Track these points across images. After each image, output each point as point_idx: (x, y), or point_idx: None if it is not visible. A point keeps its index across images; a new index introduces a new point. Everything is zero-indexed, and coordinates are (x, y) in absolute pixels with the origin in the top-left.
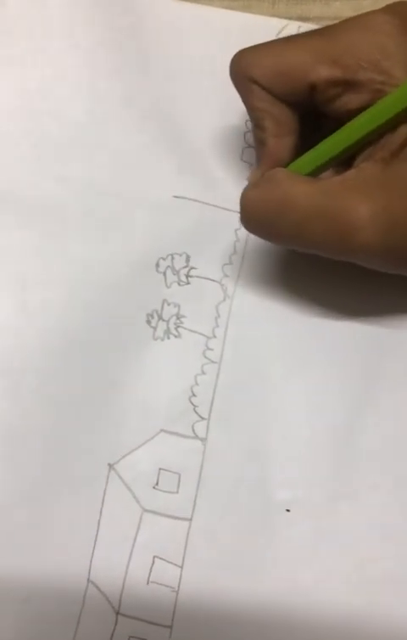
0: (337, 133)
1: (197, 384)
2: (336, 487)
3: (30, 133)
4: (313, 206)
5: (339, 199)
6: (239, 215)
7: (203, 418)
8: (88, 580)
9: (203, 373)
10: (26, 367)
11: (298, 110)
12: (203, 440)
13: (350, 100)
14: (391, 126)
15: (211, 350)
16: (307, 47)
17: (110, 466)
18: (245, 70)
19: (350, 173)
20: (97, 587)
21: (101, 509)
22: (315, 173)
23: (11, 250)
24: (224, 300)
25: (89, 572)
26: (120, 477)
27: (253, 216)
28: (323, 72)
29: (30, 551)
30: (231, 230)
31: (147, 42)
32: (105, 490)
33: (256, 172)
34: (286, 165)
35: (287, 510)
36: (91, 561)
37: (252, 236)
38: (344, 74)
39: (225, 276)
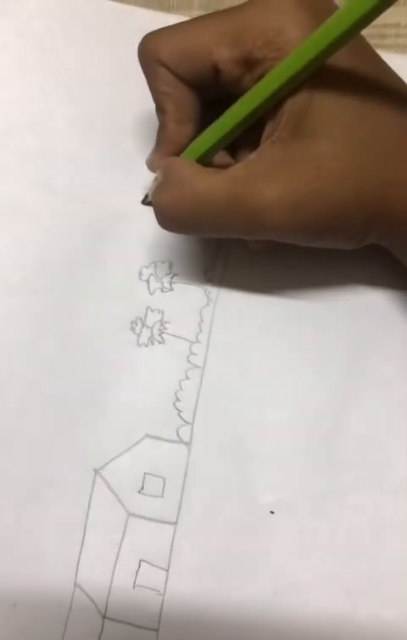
0: (225, 114)
1: (181, 389)
2: (320, 489)
3: (10, 143)
4: (224, 197)
5: (246, 185)
6: (156, 217)
7: (187, 423)
8: (75, 584)
9: (188, 377)
10: (12, 374)
11: (205, 96)
12: (188, 444)
13: (251, 80)
14: (278, 100)
15: (195, 354)
16: (211, 28)
17: (96, 471)
18: (152, 51)
19: (252, 157)
20: (83, 591)
21: (87, 514)
22: (207, 156)
23: None
24: (207, 304)
25: (76, 576)
26: (106, 482)
27: (170, 219)
28: (224, 52)
29: (16, 556)
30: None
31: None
32: (91, 495)
33: (154, 156)
34: (182, 151)
35: (272, 512)
36: (77, 565)
37: (235, 241)
38: (242, 53)
39: (208, 281)
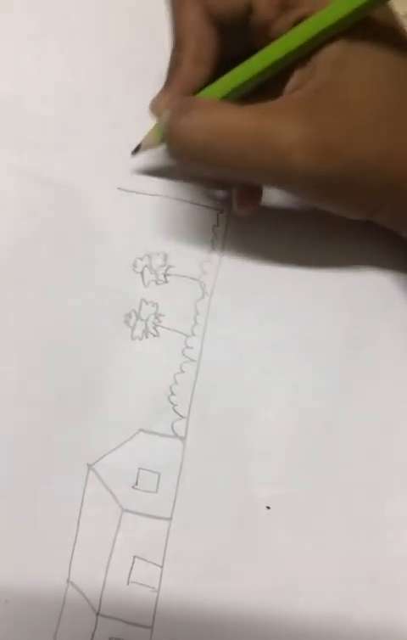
0: (252, 57)
1: (176, 382)
2: (316, 484)
3: (9, 134)
4: (250, 130)
5: (274, 122)
6: (167, 146)
7: (182, 417)
8: (68, 580)
9: (182, 371)
10: (4, 368)
11: (225, 44)
12: (183, 438)
13: (283, 25)
14: (311, 49)
15: (190, 348)
16: None
17: (89, 466)
18: None
19: (283, 98)
20: (76, 588)
21: (80, 509)
22: (229, 98)
23: None
24: (203, 297)
25: (69, 573)
26: (99, 477)
27: (185, 146)
28: None
29: (8, 552)
30: (208, 227)
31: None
32: (84, 490)
33: (162, 97)
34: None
35: (268, 507)
36: (70, 562)
37: (230, 232)
38: None
39: (204, 273)
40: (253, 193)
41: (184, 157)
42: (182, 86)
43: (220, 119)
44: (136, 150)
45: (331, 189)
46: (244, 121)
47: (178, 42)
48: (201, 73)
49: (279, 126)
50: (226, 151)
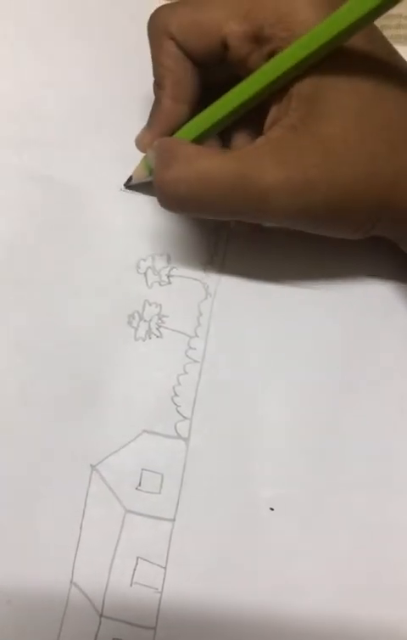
0: (226, 94)
1: (179, 383)
2: (320, 485)
3: (10, 133)
4: (231, 177)
5: (254, 166)
6: (156, 196)
7: (185, 418)
8: (71, 581)
9: (186, 372)
10: (8, 368)
11: (207, 78)
12: (186, 439)
13: (259, 59)
14: (282, 84)
15: (193, 349)
16: (222, 2)
17: (92, 467)
18: (161, 23)
19: (260, 140)
20: (80, 589)
21: (83, 510)
22: (204, 137)
23: None
24: (206, 298)
25: (72, 574)
26: (103, 478)
27: (172, 197)
28: (234, 26)
29: (12, 552)
30: (211, 228)
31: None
32: (87, 491)
33: (145, 134)
34: (173, 132)
35: (271, 509)
36: (73, 563)
37: (233, 234)
38: (252, 28)
39: (207, 274)
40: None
41: (171, 207)
42: (163, 124)
43: (201, 169)
44: (129, 182)
45: (318, 222)
46: (224, 169)
47: (158, 81)
48: (181, 111)
49: (258, 170)
50: (210, 198)
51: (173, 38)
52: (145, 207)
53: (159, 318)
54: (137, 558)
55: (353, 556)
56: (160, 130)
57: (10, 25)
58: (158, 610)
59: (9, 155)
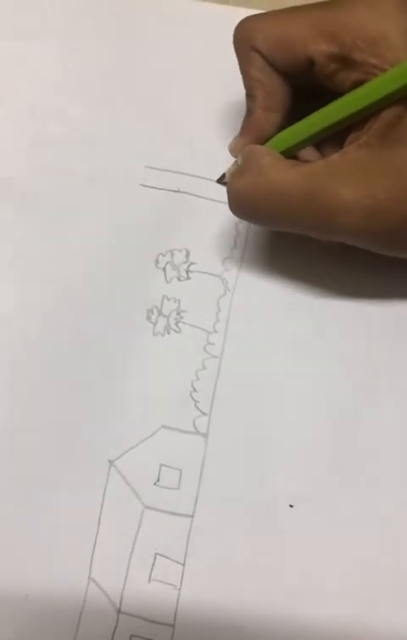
0: (317, 113)
1: (198, 379)
2: (339, 482)
3: (29, 129)
4: (299, 192)
5: (324, 183)
6: (227, 202)
7: (204, 414)
8: (89, 577)
9: (204, 367)
10: (28, 364)
11: (296, 85)
12: (205, 435)
13: (347, 78)
14: (373, 110)
15: (212, 344)
16: (309, 20)
17: (111, 462)
18: (247, 36)
19: (335, 157)
20: (98, 585)
21: (101, 506)
22: (292, 150)
23: (10, 245)
24: (225, 294)
25: (90, 570)
26: (121, 473)
27: (241, 205)
28: (322, 46)
29: (30, 548)
30: (231, 224)
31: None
32: (106, 486)
33: (237, 141)
34: (267, 140)
35: (291, 506)
36: (91, 559)
37: (252, 229)
38: (341, 50)
39: (226, 270)
40: None
41: (239, 214)
42: (254, 133)
43: (271, 181)
44: (222, 179)
45: (384, 243)
46: (294, 184)
47: (249, 93)
48: (272, 120)
49: (328, 189)
50: (277, 212)
51: (259, 51)
52: (164, 202)
53: (178, 314)
54: (155, 554)
55: (374, 558)
56: (251, 138)
57: (37, 20)
58: (177, 607)
59: (33, 152)
